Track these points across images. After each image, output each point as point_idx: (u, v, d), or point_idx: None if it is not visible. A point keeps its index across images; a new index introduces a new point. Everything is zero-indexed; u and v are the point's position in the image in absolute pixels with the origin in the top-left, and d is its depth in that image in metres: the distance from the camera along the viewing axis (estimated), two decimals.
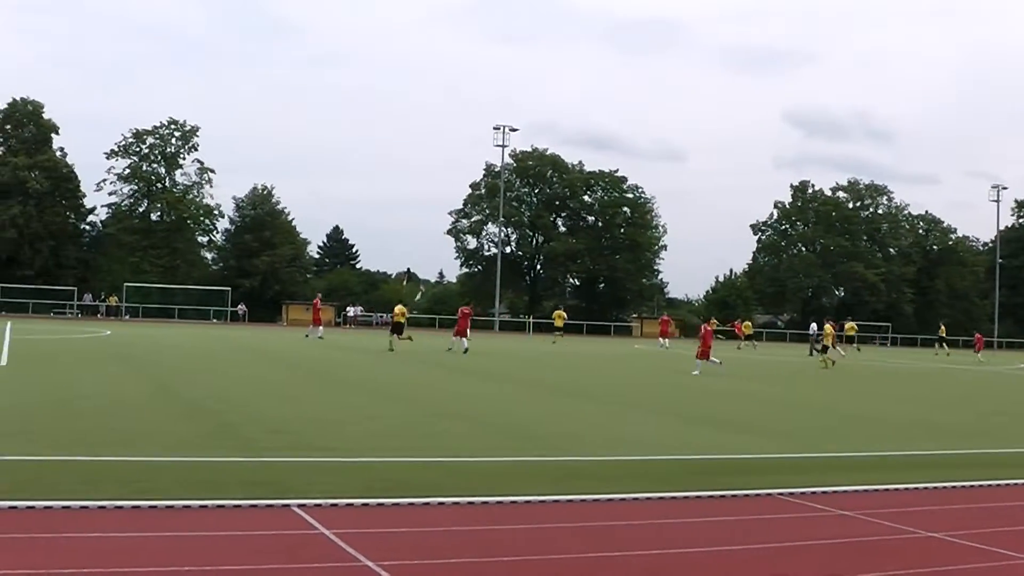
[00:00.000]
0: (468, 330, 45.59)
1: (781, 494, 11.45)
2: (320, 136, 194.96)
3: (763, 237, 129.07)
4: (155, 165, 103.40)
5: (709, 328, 36.63)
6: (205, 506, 9.32)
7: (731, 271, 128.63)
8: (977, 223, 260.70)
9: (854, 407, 25.04)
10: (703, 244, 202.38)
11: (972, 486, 12.59)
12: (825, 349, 47.06)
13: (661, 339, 65.18)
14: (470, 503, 10.11)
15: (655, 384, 31.25)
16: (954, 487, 12.45)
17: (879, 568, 8.15)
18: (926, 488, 12.32)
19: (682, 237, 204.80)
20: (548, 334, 76.31)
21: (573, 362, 41.05)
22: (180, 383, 23.30)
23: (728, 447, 15.83)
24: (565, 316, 74.83)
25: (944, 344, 79.23)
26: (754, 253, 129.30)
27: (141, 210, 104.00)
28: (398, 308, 47.68)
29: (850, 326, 74.61)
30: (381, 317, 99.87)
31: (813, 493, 11.54)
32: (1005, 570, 8.30)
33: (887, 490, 12.06)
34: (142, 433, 14.17)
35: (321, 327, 56.81)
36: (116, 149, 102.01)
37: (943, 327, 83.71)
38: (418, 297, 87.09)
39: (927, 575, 8.04)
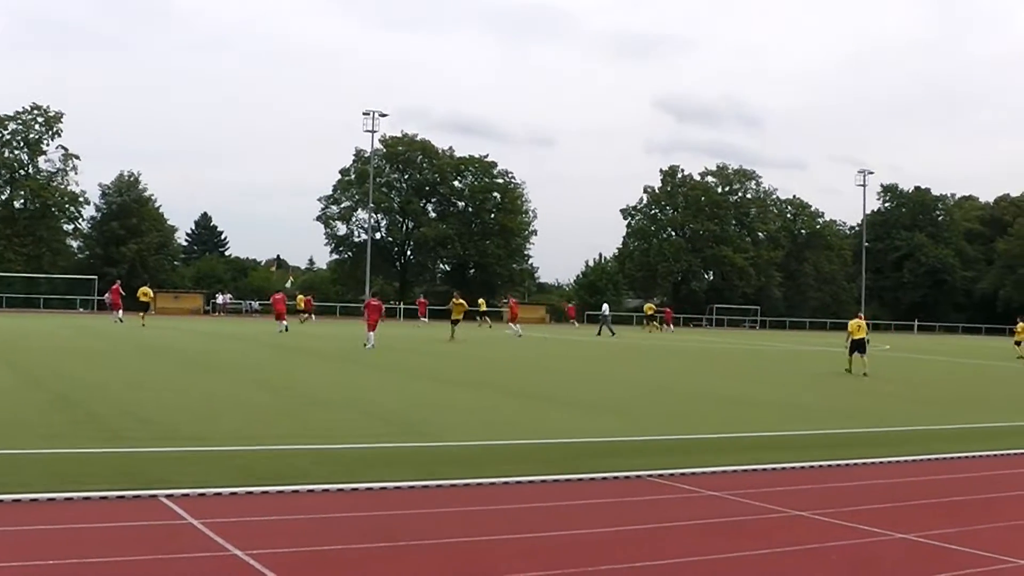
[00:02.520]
0: (285, 314, 53.70)
1: (651, 476, 11.61)
2: (188, 122, 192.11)
3: (633, 222, 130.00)
4: (17, 151, 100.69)
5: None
6: (71, 498, 9.15)
7: (601, 256, 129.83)
8: (843, 208, 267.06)
9: (721, 389, 25.44)
10: (574, 229, 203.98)
11: (837, 465, 12.91)
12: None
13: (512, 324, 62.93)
14: (340, 490, 10.09)
15: (524, 369, 31.40)
16: (820, 467, 12.75)
17: (748, 547, 8.31)
18: (793, 468, 12.61)
19: (553, 222, 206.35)
20: (413, 320, 76.32)
21: (444, 348, 41.02)
22: (45, 373, 22.79)
23: (597, 430, 15.99)
24: (311, 299, 74.65)
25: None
26: (624, 238, 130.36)
27: (3, 198, 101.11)
28: (141, 290, 58.19)
29: (648, 307, 78.54)
30: (251, 305, 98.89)
31: (682, 474, 11.72)
32: (870, 547, 8.51)
33: (755, 470, 12.32)
34: (5, 425, 13.86)
35: (120, 311, 58.78)
36: None
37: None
38: (288, 284, 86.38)
39: (795, 554, 8.22)
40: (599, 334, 64.55)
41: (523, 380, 26.39)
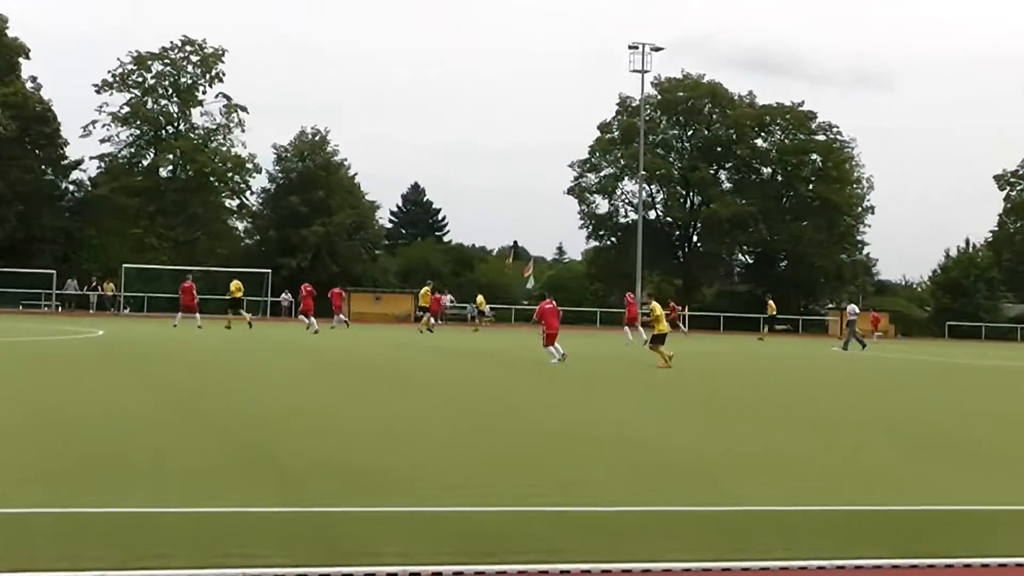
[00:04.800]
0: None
1: None
2: (392, 64, 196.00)
3: (1014, 193, 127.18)
4: (164, 102, 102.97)
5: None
6: None
7: (968, 242, 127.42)
8: None
9: None
10: (926, 206, 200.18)
11: None
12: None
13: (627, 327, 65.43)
14: (605, 572, 9.83)
15: (866, 398, 30.75)
16: None
17: None
18: None
19: (895, 197, 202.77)
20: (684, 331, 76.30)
21: (736, 368, 40.63)
22: (200, 400, 23.42)
23: (986, 495, 15.35)
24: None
25: None
26: (1001, 216, 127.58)
27: (145, 163, 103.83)
28: (234, 284, 67.13)
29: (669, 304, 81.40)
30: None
31: None
32: None
33: None
34: (145, 470, 14.10)
35: (196, 313, 64.43)
36: (111, 80, 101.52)
37: None
38: (529, 284, 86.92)
39: None
40: (845, 348, 66.26)
41: (835, 409, 25.93)
